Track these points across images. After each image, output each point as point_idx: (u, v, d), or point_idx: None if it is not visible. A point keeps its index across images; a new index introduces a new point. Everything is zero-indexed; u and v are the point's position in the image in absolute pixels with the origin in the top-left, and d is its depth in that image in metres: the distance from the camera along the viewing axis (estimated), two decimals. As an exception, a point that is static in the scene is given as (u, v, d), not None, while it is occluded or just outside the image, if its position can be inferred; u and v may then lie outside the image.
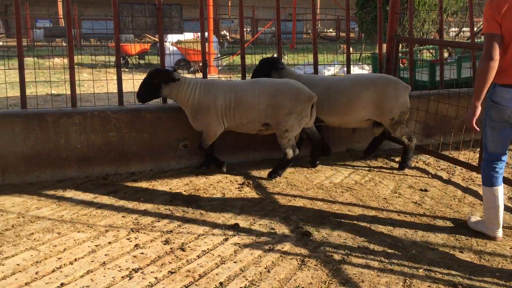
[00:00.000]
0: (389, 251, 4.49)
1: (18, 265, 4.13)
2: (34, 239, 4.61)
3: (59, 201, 5.55)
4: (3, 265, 4.12)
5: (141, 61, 22.28)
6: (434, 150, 7.38)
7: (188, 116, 6.36)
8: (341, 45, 19.12)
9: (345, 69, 8.38)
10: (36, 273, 4.00)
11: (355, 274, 4.06)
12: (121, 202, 5.58)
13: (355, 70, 16.21)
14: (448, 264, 4.27)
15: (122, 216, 5.19)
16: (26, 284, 3.84)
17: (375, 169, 6.92)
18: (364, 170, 6.88)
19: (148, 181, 6.28)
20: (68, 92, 6.79)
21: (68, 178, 6.26)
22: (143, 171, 6.64)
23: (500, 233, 4.71)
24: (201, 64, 16.65)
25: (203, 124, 6.30)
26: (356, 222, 5.12)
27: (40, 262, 4.18)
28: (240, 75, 7.81)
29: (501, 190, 4.63)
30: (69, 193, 5.81)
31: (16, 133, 6.05)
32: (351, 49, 9.47)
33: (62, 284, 3.85)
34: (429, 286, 3.90)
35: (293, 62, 15.76)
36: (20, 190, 5.83)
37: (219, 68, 18.75)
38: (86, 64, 15.62)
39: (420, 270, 4.14)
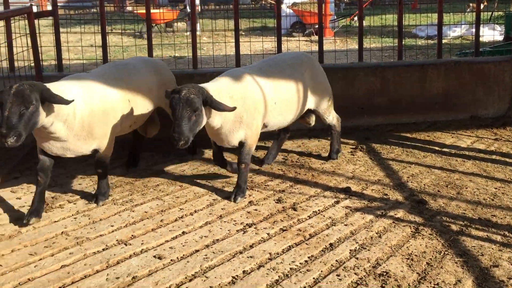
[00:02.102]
0: (514, 225, 4.18)
1: (146, 212, 4.55)
2: (160, 190, 5.03)
3: (181, 157, 5.95)
4: (133, 211, 4.57)
5: (257, 24, 22.54)
6: None
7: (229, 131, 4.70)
8: (470, 4, 17.52)
9: (473, 30, 7.70)
10: (161, 220, 4.39)
11: (474, 246, 3.85)
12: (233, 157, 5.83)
13: (485, 31, 14.83)
14: None
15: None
16: (152, 230, 4.23)
17: (503, 139, 6.38)
18: (490, 139, 6.39)
19: (262, 142, 6.45)
20: (190, 54, 7.13)
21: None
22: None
23: None
24: (316, 26, 16.39)
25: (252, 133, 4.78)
26: (477, 193, 4.82)
27: (165, 211, 4.57)
28: (356, 37, 7.57)
29: None
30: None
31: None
32: (481, 6, 8.65)
33: (183, 232, 4.18)
34: (560, 267, 3.58)
35: (414, 23, 14.83)
36: (147, 143, 6.33)
37: (335, 30, 18.31)
38: (206, 29, 16.18)
39: (550, 249, 3.81)
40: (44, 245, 3.98)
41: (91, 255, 3.84)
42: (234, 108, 4.29)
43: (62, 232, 4.18)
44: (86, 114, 4.31)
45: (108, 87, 4.60)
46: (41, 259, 3.77)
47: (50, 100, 3.89)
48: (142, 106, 4.98)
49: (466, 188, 4.96)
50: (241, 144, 4.75)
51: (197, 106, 4.08)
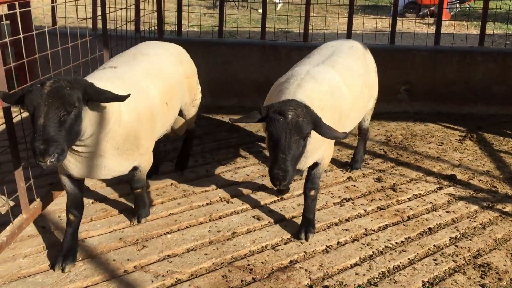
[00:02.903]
0: None
1: (247, 175, 4.75)
2: (262, 156, 5.21)
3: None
4: (236, 173, 4.80)
5: (369, 2, 21.85)
6: None
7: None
8: None
9: None
10: (262, 185, 4.56)
11: None
12: (338, 136, 5.84)
13: None
14: None
15: (338, 149, 5.44)
16: (252, 192, 4.42)
17: None
18: None
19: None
20: (302, 29, 7.17)
21: (292, 108, 6.77)
22: (362, 110, 6.74)
23: None
24: (432, 8, 15.53)
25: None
26: None
27: (265, 176, 4.73)
28: (477, 23, 7.11)
29: None
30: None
31: (253, 62, 6.72)
32: None
33: (281, 199, 4.32)
34: None
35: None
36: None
37: (452, 13, 17.24)
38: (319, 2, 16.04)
39: None
40: (155, 193, 4.33)
41: (196, 207, 4.12)
42: (346, 135, 3.18)
43: (171, 184, 4.52)
44: (133, 119, 3.24)
45: (148, 84, 3.56)
46: (152, 205, 4.12)
47: (98, 99, 2.82)
48: (176, 106, 4.06)
49: None
50: (314, 165, 3.69)
51: (307, 133, 3.04)
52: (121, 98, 2.83)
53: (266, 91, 6.40)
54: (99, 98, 2.83)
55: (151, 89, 3.54)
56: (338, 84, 3.70)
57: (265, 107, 3.09)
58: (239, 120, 3.26)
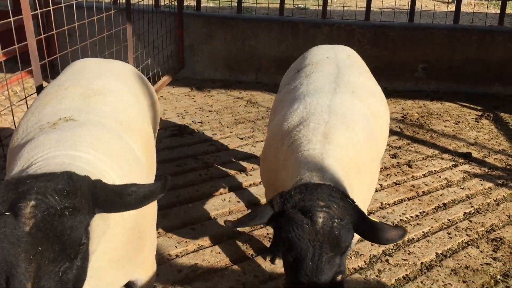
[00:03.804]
0: None
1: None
2: (279, 131, 5.31)
3: (300, 103, 6.15)
4: (254, 147, 4.90)
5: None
6: None
7: None
8: None
9: None
10: (279, 158, 4.67)
11: None
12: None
13: None
14: None
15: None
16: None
17: None
18: None
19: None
20: (320, 6, 7.17)
21: (309, 85, 6.82)
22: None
23: None
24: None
25: None
26: None
27: (283, 150, 4.84)
28: (497, 2, 7.03)
29: None
30: (309, 98, 6.37)
31: (272, 37, 6.76)
32: None
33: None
34: None
35: None
36: (269, 89, 6.61)
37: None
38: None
39: None
40: (176, 164, 4.47)
41: (216, 179, 4.24)
42: (404, 233, 2.03)
43: (192, 156, 4.65)
44: (135, 210, 1.85)
45: (132, 144, 2.28)
46: (172, 176, 4.25)
47: (121, 208, 1.71)
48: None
49: None
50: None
51: (347, 245, 1.99)
52: (161, 190, 1.71)
53: (284, 67, 6.43)
54: (124, 207, 1.67)
55: (137, 152, 2.27)
56: (370, 123, 2.73)
57: (280, 197, 2.03)
58: (241, 223, 2.09)
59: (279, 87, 3.49)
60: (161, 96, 6.21)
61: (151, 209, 2.24)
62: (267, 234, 3.49)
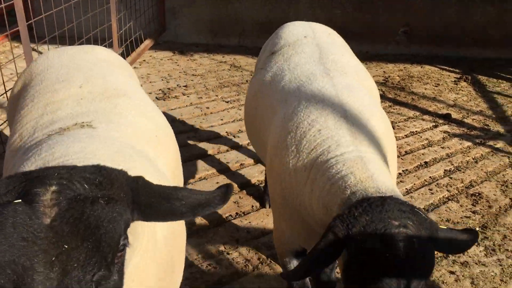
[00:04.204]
0: None
1: (251, 112, 4.92)
2: (264, 94, 5.36)
3: (283, 67, 6.19)
4: (240, 109, 4.95)
5: None
6: None
7: None
8: None
9: None
10: (266, 121, 4.75)
11: None
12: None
13: None
14: None
15: (338, 89, 5.60)
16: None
17: None
18: None
19: (364, 62, 6.50)
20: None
21: (292, 48, 6.84)
22: (360, 51, 6.85)
23: None
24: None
25: None
26: None
27: (269, 113, 4.91)
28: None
29: None
30: (292, 62, 6.41)
31: (255, 0, 6.72)
32: None
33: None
34: None
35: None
36: (252, 52, 6.60)
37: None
38: None
39: None
40: (164, 127, 4.49)
41: (204, 141, 4.30)
42: (477, 236, 1.85)
43: (178, 119, 4.67)
44: (169, 234, 1.70)
45: (157, 158, 1.87)
46: (162, 138, 4.28)
47: (168, 216, 1.34)
48: None
49: None
50: None
51: (433, 265, 1.72)
52: (221, 200, 1.35)
53: (267, 31, 6.35)
54: (170, 214, 1.31)
55: (167, 173, 1.88)
56: (378, 104, 2.54)
57: (341, 222, 1.69)
58: (301, 272, 1.76)
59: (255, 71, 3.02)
60: (144, 60, 6.16)
61: (183, 240, 1.86)
62: (258, 192, 3.59)
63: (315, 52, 2.68)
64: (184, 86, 5.44)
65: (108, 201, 1.17)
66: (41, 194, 1.12)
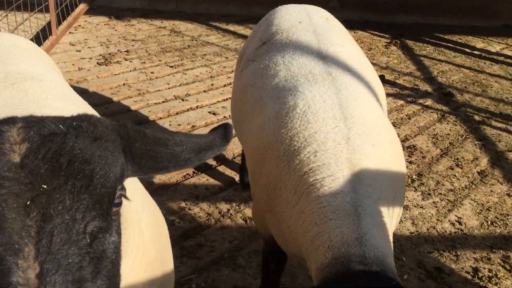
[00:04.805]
0: (531, 122, 4.63)
1: (197, 76, 4.97)
2: (207, 59, 5.40)
3: (223, 32, 6.25)
4: (185, 74, 4.98)
5: None
6: None
7: None
8: None
9: None
10: (212, 84, 4.81)
11: (493, 134, 4.32)
12: (277, 41, 6.13)
13: None
14: None
15: (279, 53, 5.76)
16: (204, 91, 4.67)
17: (532, 49, 6.63)
18: (519, 47, 6.63)
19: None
20: None
21: (230, 14, 6.89)
22: (296, 17, 7.03)
23: None
24: None
25: None
26: (501, 92, 5.20)
27: (214, 77, 4.98)
28: None
29: None
30: (232, 27, 6.46)
31: (191, -35, 6.66)
32: None
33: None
34: None
35: None
36: (191, 18, 6.58)
37: None
38: None
39: (560, 143, 4.29)
40: (110, 92, 4.44)
41: (153, 105, 4.31)
42: None
43: (124, 84, 4.63)
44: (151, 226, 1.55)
45: None
46: (107, 103, 4.24)
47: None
48: None
49: (491, 87, 5.33)
50: None
51: None
52: (224, 142, 1.21)
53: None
54: (173, 164, 1.14)
55: None
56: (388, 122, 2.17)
57: None
58: None
59: (239, 62, 2.76)
60: (79, 25, 5.95)
61: (167, 239, 1.70)
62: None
63: (312, 42, 2.38)
64: (125, 51, 5.35)
65: (95, 138, 0.97)
66: (5, 130, 0.91)
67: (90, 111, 1.72)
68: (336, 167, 1.74)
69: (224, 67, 5.25)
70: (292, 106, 1.98)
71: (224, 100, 4.55)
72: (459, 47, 6.44)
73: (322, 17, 2.69)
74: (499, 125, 4.50)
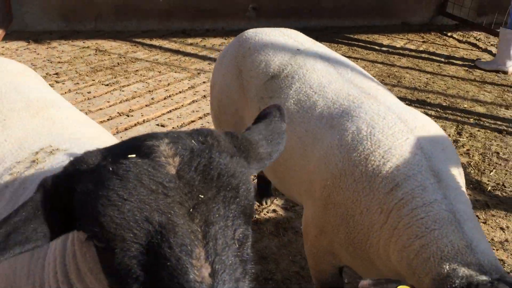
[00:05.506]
0: (444, 104, 5.24)
1: (135, 92, 4.99)
2: (141, 75, 5.43)
3: (149, 47, 6.29)
4: (123, 91, 4.99)
5: None
6: (487, 27, 7.74)
7: None
8: None
9: None
10: (152, 98, 4.87)
11: (416, 118, 4.85)
12: (205, 52, 6.31)
13: None
14: (495, 117, 5.03)
15: (208, 64, 5.93)
16: (146, 106, 4.72)
17: (429, 41, 7.43)
18: (418, 41, 7.40)
19: (223, 38, 6.93)
20: None
21: (151, 30, 6.93)
22: (216, 28, 7.25)
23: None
24: None
25: None
26: (413, 82, 5.81)
27: (152, 91, 5.04)
28: None
29: None
30: (156, 42, 6.53)
31: (107, -16, 6.62)
32: None
33: (175, 108, 4.73)
34: (478, 130, 4.69)
35: None
36: (112, 36, 6.53)
37: None
38: None
39: (471, 119, 4.92)
40: (51, 115, 4.34)
41: (99, 123, 4.28)
42: None
43: (63, 106, 4.54)
44: None
45: None
46: (53, 126, 4.15)
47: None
48: None
49: (404, 78, 5.93)
50: None
51: None
52: (284, 118, 1.36)
53: (124, 13, 6.31)
54: (278, 152, 1.29)
55: None
56: None
57: None
58: None
59: (235, 104, 2.62)
60: (-3, 52, 5.69)
61: None
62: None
63: (327, 66, 2.43)
64: (54, 74, 5.23)
65: (231, 155, 1.07)
66: (157, 145, 1.01)
67: (105, 131, 1.94)
68: (422, 177, 1.78)
69: (160, 80, 5.32)
70: (355, 130, 2.00)
71: (168, 112, 4.63)
72: (369, 45, 7.05)
73: (308, 40, 2.76)
74: (418, 109, 5.03)
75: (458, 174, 1.91)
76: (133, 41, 6.45)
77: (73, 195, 0.99)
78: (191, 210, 0.96)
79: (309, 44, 2.66)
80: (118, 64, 5.68)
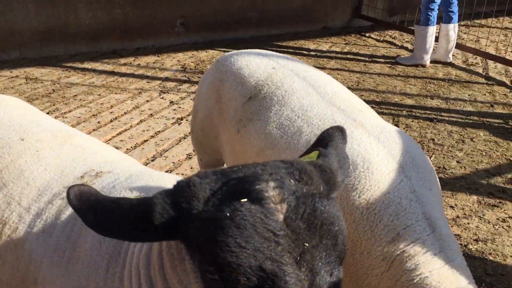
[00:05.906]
0: (377, 100, 5.64)
1: (79, 117, 4.88)
2: (81, 99, 5.31)
3: (82, 71, 6.15)
4: (66, 117, 4.85)
5: None
6: (400, 25, 8.39)
7: None
8: None
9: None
10: (98, 122, 4.79)
11: (356, 115, 5.17)
12: (141, 71, 6.27)
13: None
14: (424, 107, 5.50)
15: (147, 82, 5.92)
16: (94, 130, 4.64)
17: (351, 43, 7.91)
18: (341, 44, 7.85)
19: (155, 55, 6.92)
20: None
21: (80, 53, 6.77)
22: (147, 46, 7.23)
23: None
24: None
25: None
26: (345, 82, 6.18)
27: (97, 115, 4.95)
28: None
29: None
30: (88, 65, 6.39)
31: (29, 9, 6.37)
32: None
33: (125, 130, 4.69)
34: (412, 121, 5.11)
35: None
36: (41, 63, 6.30)
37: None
38: None
39: (404, 111, 5.34)
40: (-4, 151, 4.13)
41: (49, 154, 4.15)
42: None
43: (5, 140, 4.34)
44: None
45: None
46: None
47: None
48: None
49: (336, 79, 6.25)
50: None
51: None
52: (346, 138, 1.47)
53: (49, 40, 6.15)
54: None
55: None
56: None
57: None
58: None
59: (210, 124, 2.62)
60: None
61: None
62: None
63: (306, 87, 2.34)
64: (-13, 107, 4.96)
65: (328, 198, 1.12)
66: (265, 191, 1.05)
67: (124, 154, 2.03)
68: (419, 227, 1.78)
69: (102, 103, 5.23)
70: (351, 165, 1.89)
71: (118, 134, 4.59)
72: (298, 51, 7.37)
73: (282, 57, 2.70)
74: (357, 107, 5.39)
75: (441, 210, 1.97)
76: (63, 66, 6.27)
77: (178, 223, 1.07)
78: (298, 258, 1.03)
79: (283, 61, 2.60)
80: (54, 90, 5.51)
